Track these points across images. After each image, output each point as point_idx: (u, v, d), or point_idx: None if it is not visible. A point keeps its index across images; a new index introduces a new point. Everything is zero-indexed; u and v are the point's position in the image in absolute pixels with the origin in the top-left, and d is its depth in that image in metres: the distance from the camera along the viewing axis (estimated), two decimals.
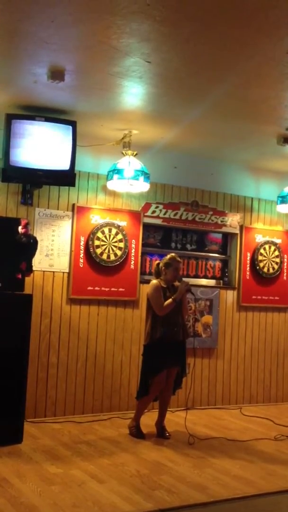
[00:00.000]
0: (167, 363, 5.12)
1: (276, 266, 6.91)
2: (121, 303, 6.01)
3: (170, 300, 5.06)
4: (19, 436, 4.76)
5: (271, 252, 6.88)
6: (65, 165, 4.94)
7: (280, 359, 7.03)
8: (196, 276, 6.67)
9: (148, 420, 5.34)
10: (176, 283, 5.21)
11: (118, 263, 5.93)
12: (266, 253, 6.84)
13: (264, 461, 4.67)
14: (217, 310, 6.58)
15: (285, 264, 7.04)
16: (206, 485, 4.08)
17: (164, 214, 6.27)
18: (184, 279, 5.38)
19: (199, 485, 4.07)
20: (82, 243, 5.79)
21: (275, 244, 6.91)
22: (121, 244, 5.95)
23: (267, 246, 6.85)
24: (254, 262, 6.76)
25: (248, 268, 6.76)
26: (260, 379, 6.88)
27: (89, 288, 5.82)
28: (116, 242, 5.92)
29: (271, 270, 6.87)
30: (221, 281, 6.82)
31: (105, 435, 5.15)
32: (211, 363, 6.56)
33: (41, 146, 4.84)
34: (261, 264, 6.79)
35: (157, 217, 6.24)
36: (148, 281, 5.64)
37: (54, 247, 5.67)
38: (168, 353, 5.09)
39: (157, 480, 4.11)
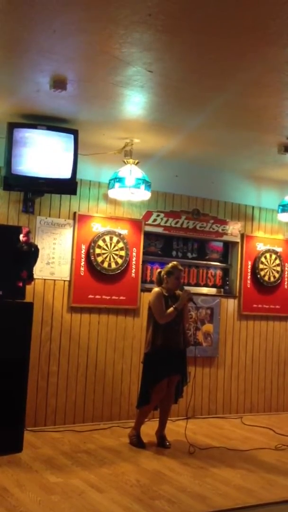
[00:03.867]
0: (168, 372, 5.10)
1: (277, 275, 6.91)
2: (121, 312, 6.01)
3: (171, 308, 5.06)
4: (19, 445, 4.74)
5: (272, 261, 6.88)
6: (66, 173, 4.95)
7: (281, 368, 7.01)
8: (197, 285, 6.67)
9: (149, 430, 5.32)
10: (178, 292, 5.21)
11: (119, 271, 5.93)
12: (267, 261, 6.84)
13: (265, 471, 4.65)
14: (218, 319, 6.57)
15: (286, 272, 7.03)
16: (206, 495, 4.06)
17: (165, 222, 6.27)
18: (185, 287, 5.38)
19: (199, 495, 4.05)
20: (83, 251, 5.79)
21: (276, 252, 6.91)
22: (122, 253, 5.95)
23: (268, 255, 6.85)
24: (255, 270, 6.76)
25: (249, 277, 6.76)
26: (261, 388, 6.86)
27: (90, 296, 5.82)
28: (117, 250, 5.92)
29: (272, 279, 6.87)
30: (222, 290, 6.81)
31: (105, 444, 5.13)
32: (211, 372, 6.54)
33: (42, 154, 4.84)
34: (262, 273, 6.79)
35: (158, 225, 6.24)
36: (149, 290, 5.65)
37: (55, 255, 5.68)
38: (169, 361, 5.08)
39: (157, 490, 4.08)
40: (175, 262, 5.28)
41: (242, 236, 6.73)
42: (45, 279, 5.61)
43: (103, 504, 3.79)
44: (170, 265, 5.24)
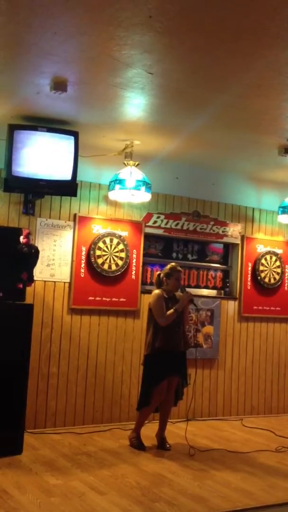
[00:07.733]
0: (168, 373, 5.10)
1: (277, 277, 6.90)
2: (122, 313, 6.00)
3: (172, 310, 5.05)
4: (19, 447, 4.74)
5: (272, 263, 6.87)
6: (67, 175, 4.96)
7: (281, 370, 7.00)
8: (197, 286, 6.66)
9: (149, 432, 5.31)
10: (178, 293, 5.20)
11: (119, 273, 5.93)
12: (267, 263, 6.84)
13: (265, 473, 4.64)
14: (218, 321, 6.57)
15: (286, 274, 7.03)
16: (206, 497, 4.05)
17: (166, 224, 6.27)
18: (186, 289, 5.37)
19: (199, 497, 4.04)
20: (83, 253, 5.79)
21: (276, 254, 6.91)
22: (122, 254, 5.95)
23: (268, 256, 6.85)
24: (255, 272, 6.76)
25: (249, 279, 6.76)
26: (261, 390, 6.85)
27: (90, 298, 5.82)
28: (117, 252, 5.92)
29: (272, 281, 6.87)
30: (222, 292, 6.81)
31: (106, 446, 5.13)
32: (212, 373, 6.54)
33: (43, 156, 4.85)
34: (262, 275, 6.79)
35: (159, 227, 6.24)
36: (149, 291, 5.65)
37: (56, 257, 5.67)
38: (169, 363, 5.07)
39: (157, 492, 4.08)
40: (173, 264, 5.27)
41: (242, 237, 6.73)
42: (45, 281, 5.61)
43: (103, 506, 3.78)
44: (168, 266, 5.23)
